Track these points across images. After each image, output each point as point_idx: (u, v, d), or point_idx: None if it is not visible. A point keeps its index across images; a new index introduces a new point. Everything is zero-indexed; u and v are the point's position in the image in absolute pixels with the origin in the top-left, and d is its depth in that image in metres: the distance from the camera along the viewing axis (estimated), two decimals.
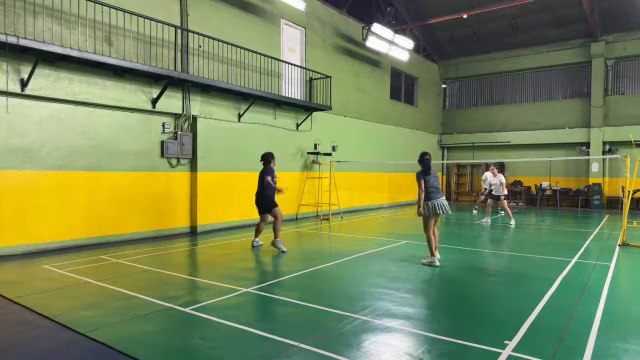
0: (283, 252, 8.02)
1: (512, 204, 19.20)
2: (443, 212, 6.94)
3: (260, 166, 8.37)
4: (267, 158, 8.38)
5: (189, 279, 6.11)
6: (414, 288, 5.69)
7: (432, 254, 6.97)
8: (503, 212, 13.15)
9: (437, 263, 6.90)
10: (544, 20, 18.27)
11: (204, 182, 10.52)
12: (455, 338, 3.93)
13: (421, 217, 7.06)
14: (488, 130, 20.96)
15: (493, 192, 12.58)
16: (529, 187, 19.58)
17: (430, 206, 6.90)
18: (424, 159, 7.08)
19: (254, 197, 8.35)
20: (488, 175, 13.18)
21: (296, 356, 3.56)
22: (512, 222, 12.01)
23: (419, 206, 6.98)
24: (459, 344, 3.80)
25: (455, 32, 20.11)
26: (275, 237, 8.20)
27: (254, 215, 9.16)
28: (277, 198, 8.32)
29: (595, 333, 4.04)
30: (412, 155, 18.48)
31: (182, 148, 10.11)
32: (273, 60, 12.22)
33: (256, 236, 8.56)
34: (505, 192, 12.57)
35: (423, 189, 6.90)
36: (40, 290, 5.41)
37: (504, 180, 12.32)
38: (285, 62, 12.60)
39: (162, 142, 9.81)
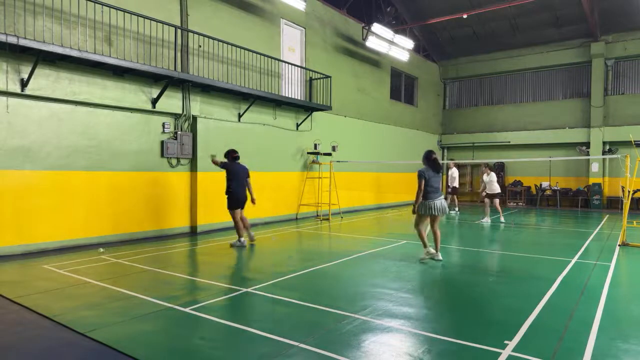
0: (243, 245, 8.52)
1: (512, 204, 19.22)
2: (439, 213, 7.04)
3: (248, 166, 8.67)
4: (236, 153, 8.68)
5: (189, 279, 6.10)
6: (414, 288, 5.69)
7: (425, 245, 7.18)
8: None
9: (432, 251, 7.13)
10: (544, 20, 18.26)
11: (204, 182, 10.51)
12: (455, 338, 3.93)
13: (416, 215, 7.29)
14: (488, 130, 20.95)
15: (488, 191, 12.79)
16: (529, 187, 19.58)
17: (427, 205, 7.02)
18: (431, 158, 7.13)
19: (253, 197, 8.53)
20: (454, 172, 15.19)
21: (296, 356, 3.56)
22: (486, 219, 12.42)
23: (415, 205, 7.12)
24: (459, 344, 3.80)
25: (455, 32, 20.10)
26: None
27: (253, 215, 9.18)
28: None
29: (595, 333, 4.03)
30: (412, 155, 18.49)
31: (182, 148, 10.11)
32: (273, 60, 12.22)
33: (248, 231, 8.82)
34: (498, 189, 12.78)
35: (422, 188, 6.99)
36: (40, 290, 5.41)
37: (494, 178, 12.67)
38: (285, 62, 12.60)
39: (162, 142, 9.81)
